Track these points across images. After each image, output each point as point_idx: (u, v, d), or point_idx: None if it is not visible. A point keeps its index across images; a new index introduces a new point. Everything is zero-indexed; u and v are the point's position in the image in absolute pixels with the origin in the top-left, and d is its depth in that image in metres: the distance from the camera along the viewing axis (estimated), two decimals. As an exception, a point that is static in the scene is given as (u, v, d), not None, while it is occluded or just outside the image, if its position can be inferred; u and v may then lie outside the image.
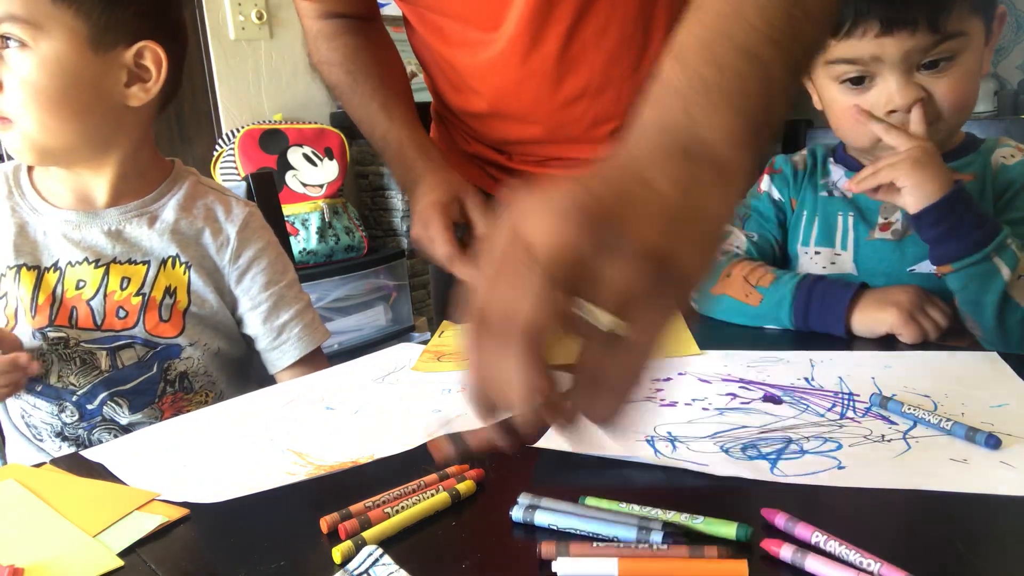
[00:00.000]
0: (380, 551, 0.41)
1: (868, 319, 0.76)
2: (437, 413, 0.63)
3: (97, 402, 0.83)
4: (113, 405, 0.83)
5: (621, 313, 0.38)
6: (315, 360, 0.91)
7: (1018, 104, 2.86)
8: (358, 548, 0.42)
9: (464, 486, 0.47)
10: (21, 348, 0.79)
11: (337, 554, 0.41)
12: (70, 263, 0.82)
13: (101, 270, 0.83)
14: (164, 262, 0.85)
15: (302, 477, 0.52)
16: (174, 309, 0.85)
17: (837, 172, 0.90)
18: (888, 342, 0.73)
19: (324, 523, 0.45)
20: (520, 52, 0.90)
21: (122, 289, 0.83)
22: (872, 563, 0.36)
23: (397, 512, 0.45)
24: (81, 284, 0.82)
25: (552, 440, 0.54)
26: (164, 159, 0.90)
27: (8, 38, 0.74)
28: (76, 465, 0.59)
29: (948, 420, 0.51)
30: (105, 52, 0.78)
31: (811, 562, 0.37)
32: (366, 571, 0.40)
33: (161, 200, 0.87)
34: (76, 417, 0.83)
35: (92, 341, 0.82)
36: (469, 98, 0.98)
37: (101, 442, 0.79)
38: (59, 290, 0.82)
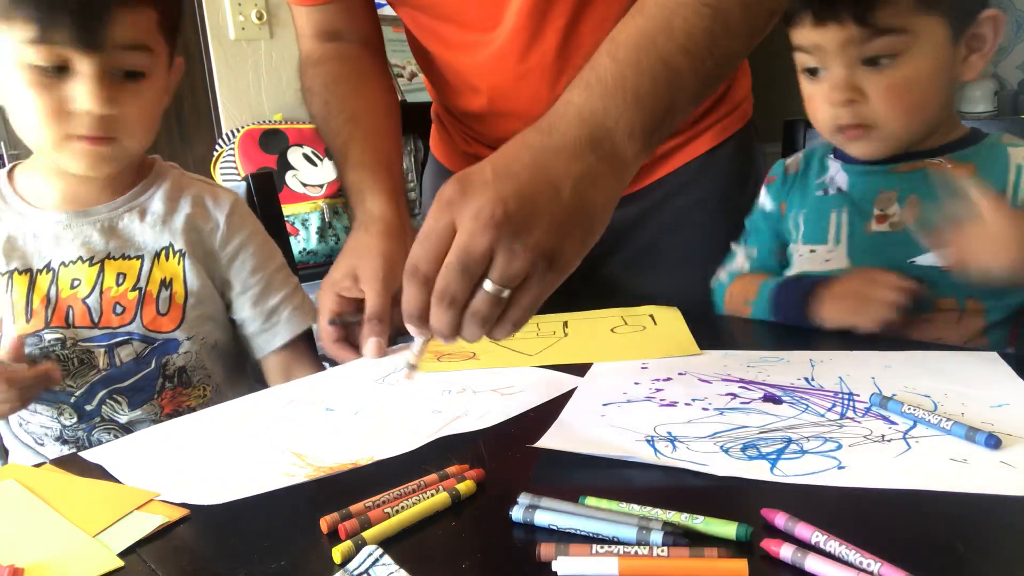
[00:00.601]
0: (380, 551, 0.41)
1: (829, 316, 0.76)
2: (437, 413, 0.63)
3: (95, 401, 0.82)
4: (112, 403, 0.83)
5: (507, 285, 0.52)
6: (304, 346, 0.92)
7: (1018, 104, 2.86)
8: (358, 548, 0.42)
9: (464, 486, 0.47)
10: (20, 358, 0.77)
11: (337, 554, 0.41)
12: (63, 263, 0.82)
13: (96, 268, 0.83)
14: (158, 254, 0.85)
15: (302, 479, 0.52)
16: (172, 302, 0.85)
17: (835, 167, 0.88)
18: (888, 342, 0.73)
19: (324, 523, 0.45)
20: (519, 49, 0.89)
21: (118, 285, 0.83)
22: (872, 563, 0.36)
23: (397, 512, 0.45)
24: (76, 283, 0.82)
25: (552, 440, 0.54)
26: (145, 156, 0.90)
27: None
28: (76, 465, 0.59)
29: (948, 420, 0.51)
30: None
31: (811, 562, 0.37)
32: (366, 571, 0.40)
33: (147, 192, 0.87)
34: (75, 419, 0.82)
35: (90, 340, 0.82)
36: (468, 98, 0.98)
37: (101, 443, 0.79)
38: (53, 291, 0.81)
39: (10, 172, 0.86)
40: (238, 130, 2.13)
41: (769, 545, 0.39)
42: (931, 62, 0.76)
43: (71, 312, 0.81)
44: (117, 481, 0.55)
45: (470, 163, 1.07)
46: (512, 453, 0.54)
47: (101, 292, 0.82)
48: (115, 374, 0.82)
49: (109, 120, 0.76)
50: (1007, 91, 2.97)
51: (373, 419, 0.63)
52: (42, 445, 0.84)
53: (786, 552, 0.38)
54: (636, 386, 0.64)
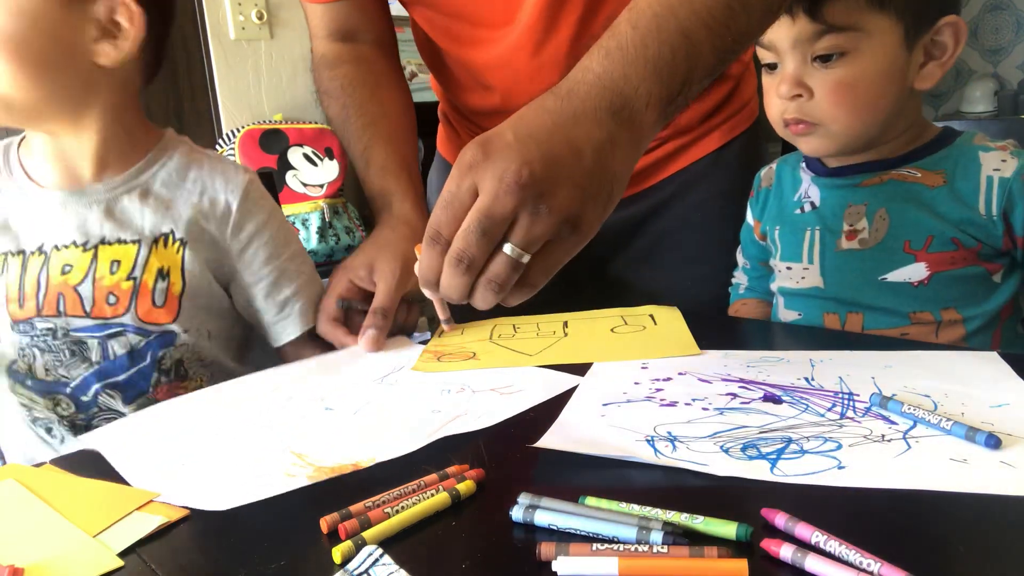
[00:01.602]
0: (380, 551, 0.41)
1: None
2: (437, 413, 0.63)
3: (91, 394, 0.80)
4: (107, 397, 0.80)
5: (528, 249, 0.52)
6: (317, 345, 0.90)
7: (1018, 104, 2.86)
8: (358, 548, 0.42)
9: (464, 486, 0.47)
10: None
11: (337, 554, 0.41)
12: (55, 246, 0.78)
13: (89, 253, 0.79)
14: (156, 241, 0.81)
15: (303, 480, 0.52)
16: (168, 293, 0.80)
17: (807, 180, 0.87)
18: (888, 342, 0.73)
19: (324, 523, 0.45)
20: (533, 43, 0.89)
21: (111, 273, 0.79)
22: (872, 563, 0.36)
23: (397, 512, 0.45)
24: (67, 268, 0.78)
25: (552, 440, 0.54)
26: (154, 128, 0.86)
27: None
28: (76, 465, 0.59)
29: (948, 420, 0.51)
30: (74, 2, 0.74)
31: (811, 562, 0.37)
32: (366, 571, 0.40)
33: (151, 170, 0.83)
34: (73, 409, 0.80)
35: (82, 329, 0.78)
36: (480, 95, 0.98)
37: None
38: (43, 276, 0.78)
39: (19, 144, 0.84)
40: (238, 130, 2.13)
41: (769, 545, 0.39)
42: (879, 63, 0.75)
43: (62, 300, 0.78)
44: (119, 476, 0.55)
45: None
46: (512, 453, 0.54)
47: (94, 280, 0.78)
48: (108, 368, 0.79)
49: None
50: (1007, 91, 2.97)
51: (373, 419, 0.63)
52: (50, 432, 0.82)
53: (786, 552, 0.38)
54: (636, 386, 0.64)
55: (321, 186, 2.18)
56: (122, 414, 0.81)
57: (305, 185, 2.16)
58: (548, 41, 0.89)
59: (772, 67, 0.81)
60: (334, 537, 0.44)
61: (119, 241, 0.80)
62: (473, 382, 0.70)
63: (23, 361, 0.79)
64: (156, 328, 0.80)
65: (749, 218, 0.96)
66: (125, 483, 0.55)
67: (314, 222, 2.11)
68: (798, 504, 0.43)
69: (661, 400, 0.61)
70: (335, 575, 0.40)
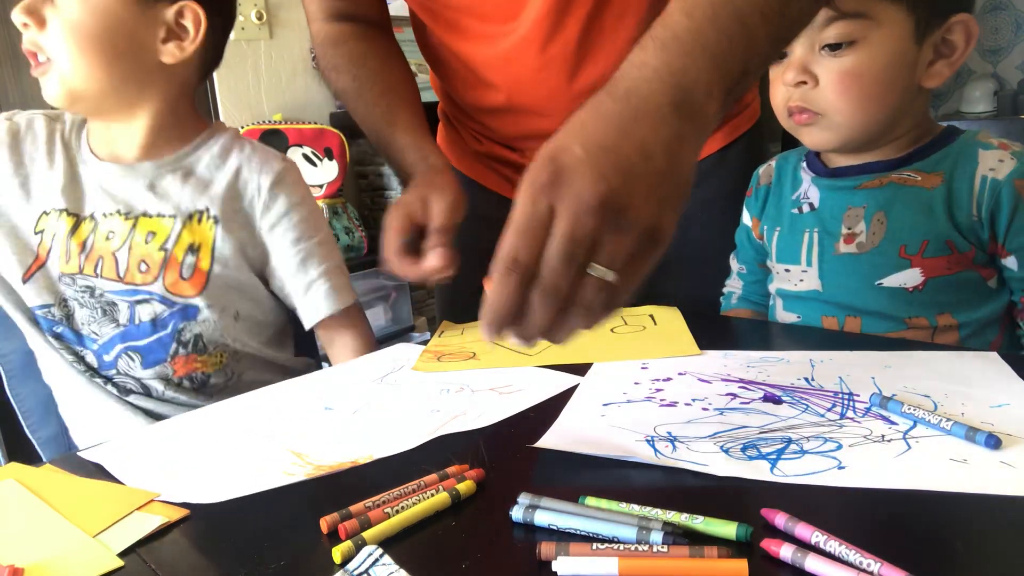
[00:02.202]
0: (380, 551, 0.41)
1: None
2: (436, 413, 0.63)
3: (113, 354, 0.85)
4: (127, 359, 0.85)
5: (615, 267, 0.48)
6: (352, 319, 0.94)
7: (1018, 104, 2.86)
8: (358, 548, 0.42)
9: (464, 486, 0.47)
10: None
11: (337, 554, 0.41)
12: (104, 214, 0.85)
13: (130, 222, 0.85)
14: (191, 217, 0.86)
15: (301, 477, 0.52)
16: (196, 268, 0.86)
17: (807, 180, 0.86)
18: (888, 342, 0.73)
19: (324, 523, 0.45)
20: (540, 39, 0.89)
21: (146, 243, 0.85)
22: (872, 563, 0.36)
23: (397, 512, 0.45)
24: (110, 235, 0.85)
25: (552, 440, 0.54)
26: (203, 120, 0.93)
27: None
28: (76, 465, 0.59)
29: (948, 420, 0.51)
30: (148, 5, 0.81)
31: (811, 562, 0.37)
32: (366, 571, 0.40)
33: (195, 153, 0.89)
34: (96, 364, 0.85)
35: (115, 292, 0.84)
36: (484, 93, 0.98)
37: (121, 389, 0.85)
38: (91, 240, 0.85)
39: (83, 122, 0.90)
40: (238, 130, 2.13)
41: (769, 545, 0.39)
42: (887, 55, 0.73)
43: (101, 262, 0.84)
44: (117, 481, 0.55)
45: (481, 163, 1.08)
46: (512, 453, 0.54)
47: (130, 247, 0.85)
48: (132, 331, 0.85)
49: (34, 39, 0.79)
50: (1007, 91, 2.97)
51: (372, 418, 0.63)
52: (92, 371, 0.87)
53: (786, 552, 0.38)
54: (636, 386, 0.64)
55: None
56: (138, 380, 0.86)
57: (305, 185, 2.15)
58: (555, 38, 0.89)
59: (780, 56, 0.80)
60: (334, 537, 0.44)
61: (158, 215, 0.86)
62: (473, 382, 0.70)
63: (60, 309, 0.85)
64: (180, 300, 0.85)
65: (746, 219, 0.95)
66: (123, 484, 0.55)
67: (314, 222, 2.11)
68: (798, 504, 0.43)
69: (661, 400, 0.61)
70: (335, 575, 0.40)
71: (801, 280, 0.85)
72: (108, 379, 0.86)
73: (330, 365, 0.96)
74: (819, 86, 0.76)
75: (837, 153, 0.84)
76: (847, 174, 0.83)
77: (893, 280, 0.78)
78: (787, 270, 0.87)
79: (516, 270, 0.47)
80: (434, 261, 0.78)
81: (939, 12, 0.74)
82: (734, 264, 0.99)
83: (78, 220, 0.85)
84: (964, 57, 0.75)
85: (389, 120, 0.93)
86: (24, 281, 0.84)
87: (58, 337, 0.86)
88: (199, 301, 0.85)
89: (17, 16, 0.78)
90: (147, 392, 0.86)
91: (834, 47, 0.74)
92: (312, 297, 0.90)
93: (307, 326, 0.92)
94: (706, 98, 0.51)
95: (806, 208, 0.85)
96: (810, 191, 0.86)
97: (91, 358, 0.86)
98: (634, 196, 0.47)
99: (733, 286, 0.99)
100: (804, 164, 0.88)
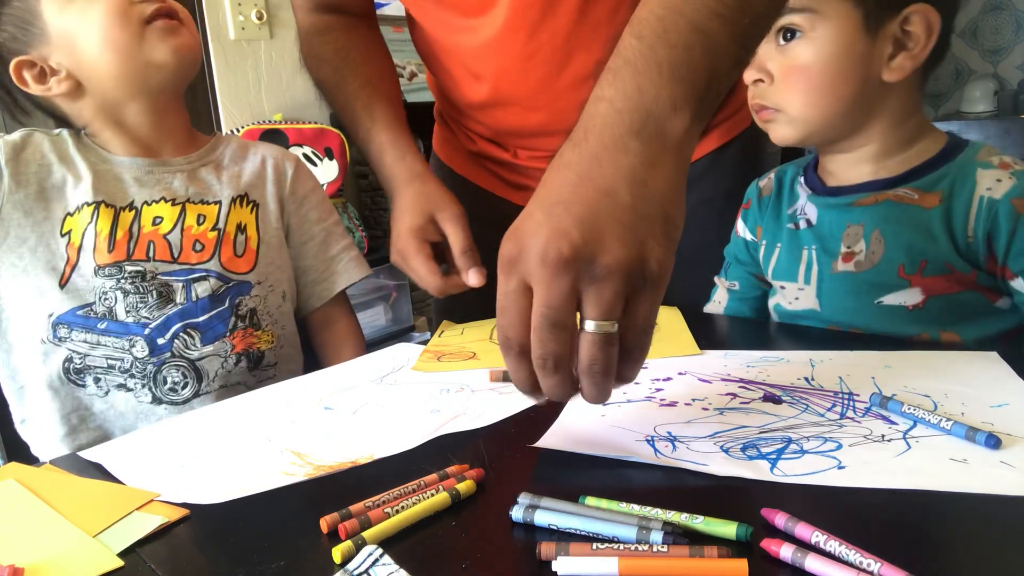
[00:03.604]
0: (380, 551, 0.41)
1: None
2: (436, 413, 0.63)
3: (169, 334, 0.86)
4: (185, 338, 0.86)
5: (610, 317, 0.46)
6: (347, 304, 1.02)
7: (1018, 104, 2.86)
8: (358, 548, 0.42)
9: (464, 486, 0.47)
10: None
11: (337, 554, 0.41)
12: (146, 202, 0.87)
13: (178, 208, 0.88)
14: (234, 200, 0.92)
15: (301, 478, 0.52)
16: (247, 245, 0.91)
17: (803, 196, 0.85)
18: (888, 342, 0.73)
19: (324, 523, 0.45)
20: (527, 28, 0.88)
21: (199, 224, 0.89)
22: (872, 563, 0.36)
23: (397, 512, 0.45)
24: (158, 220, 0.87)
25: (552, 440, 0.54)
26: (203, 135, 0.97)
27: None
28: (76, 465, 0.59)
29: (948, 420, 0.51)
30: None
31: (811, 562, 0.37)
32: (366, 571, 0.40)
33: (218, 149, 0.95)
34: (146, 352, 0.85)
35: (169, 274, 0.86)
36: (471, 86, 0.98)
37: (166, 382, 0.85)
38: (136, 227, 0.86)
39: (83, 132, 0.90)
40: (238, 130, 2.13)
41: (769, 545, 0.39)
42: (833, 47, 0.73)
43: (152, 246, 0.86)
44: (117, 481, 0.55)
45: (475, 162, 1.08)
46: (512, 453, 0.54)
47: (183, 229, 0.88)
48: (190, 308, 0.86)
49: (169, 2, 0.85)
50: (1007, 91, 2.97)
51: (372, 418, 0.63)
52: (83, 386, 0.85)
53: (786, 552, 0.38)
54: (636, 386, 0.64)
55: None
56: (191, 360, 0.86)
57: (305, 185, 2.16)
58: (542, 27, 0.88)
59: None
60: (334, 537, 0.44)
61: (203, 201, 0.91)
62: (473, 382, 0.70)
63: (103, 304, 0.84)
64: (236, 276, 0.90)
65: (741, 231, 0.93)
66: (123, 484, 0.55)
67: (314, 222, 2.11)
68: (798, 504, 0.43)
69: (661, 400, 0.61)
70: (335, 575, 0.40)
71: (797, 299, 0.83)
72: (145, 374, 0.85)
73: (317, 355, 1.02)
74: (774, 82, 0.77)
75: (813, 146, 0.82)
76: (843, 193, 0.81)
77: (893, 299, 0.76)
78: (783, 287, 0.85)
79: (514, 347, 0.47)
80: (475, 281, 0.84)
81: (891, 3, 0.72)
82: (722, 286, 0.96)
83: (116, 211, 0.86)
84: (927, 50, 0.73)
85: (369, 115, 0.95)
86: (62, 287, 0.83)
87: (101, 332, 0.84)
88: (251, 277, 0.91)
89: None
90: (197, 377, 0.86)
91: (785, 39, 0.75)
92: (339, 268, 0.99)
93: (327, 296, 0.98)
94: (672, 113, 0.49)
95: (803, 224, 0.84)
96: (807, 207, 0.84)
97: (141, 346, 0.85)
98: (603, 239, 0.45)
99: (719, 299, 0.96)
100: (801, 179, 0.87)
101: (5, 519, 0.50)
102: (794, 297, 0.84)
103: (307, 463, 0.55)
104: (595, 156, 0.48)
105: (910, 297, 0.75)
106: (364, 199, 2.50)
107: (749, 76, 0.78)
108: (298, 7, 1.02)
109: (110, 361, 0.85)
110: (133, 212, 0.86)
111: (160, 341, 0.85)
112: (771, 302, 0.89)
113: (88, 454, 0.61)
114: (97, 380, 0.85)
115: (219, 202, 0.91)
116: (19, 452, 0.88)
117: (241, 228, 0.91)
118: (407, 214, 0.88)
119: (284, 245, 0.96)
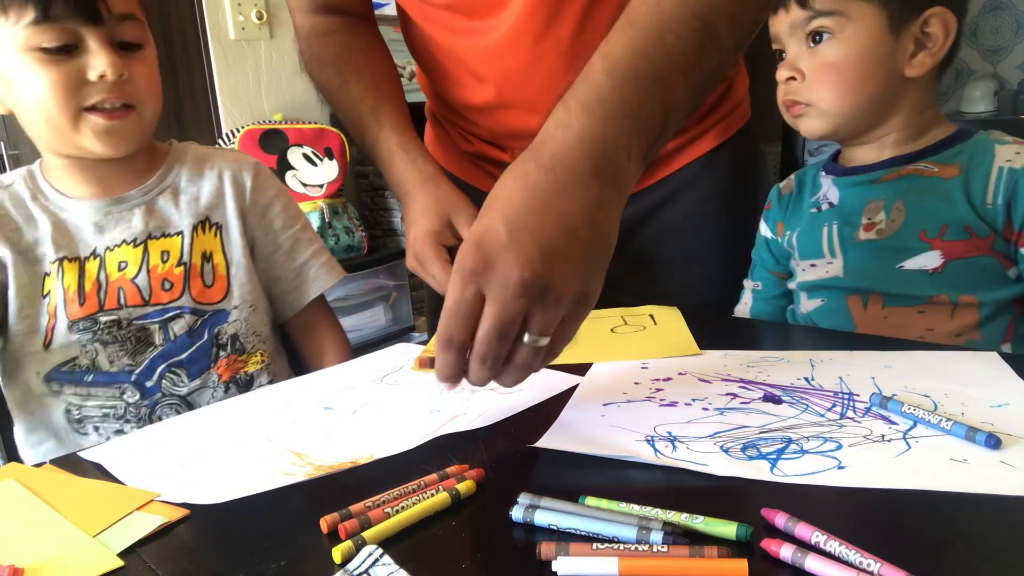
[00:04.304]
0: (380, 551, 0.41)
1: None
2: (436, 413, 0.63)
3: (156, 377, 0.85)
4: (171, 377, 0.86)
5: (546, 334, 0.52)
6: (326, 307, 1.00)
7: (1018, 104, 2.86)
8: (358, 548, 0.42)
9: (464, 486, 0.47)
10: None
11: (337, 554, 0.41)
12: (108, 248, 0.85)
13: (140, 248, 0.86)
14: (196, 228, 0.89)
15: (301, 478, 0.52)
16: (215, 273, 0.89)
17: (827, 183, 0.90)
18: (888, 342, 0.73)
19: (324, 523, 0.45)
20: (534, 32, 0.88)
21: (163, 262, 0.86)
22: (872, 563, 0.36)
23: (397, 512, 0.45)
24: (123, 265, 0.85)
25: (552, 440, 0.54)
26: (158, 143, 0.94)
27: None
28: (76, 465, 0.59)
29: (948, 420, 0.51)
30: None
31: (811, 562, 0.37)
32: (366, 571, 0.40)
33: (173, 172, 0.91)
34: (137, 396, 0.85)
35: (143, 317, 0.85)
36: (474, 89, 0.97)
37: (161, 420, 0.83)
38: (103, 276, 0.84)
39: (38, 168, 0.88)
40: (238, 130, 2.13)
41: (769, 545, 0.39)
42: (861, 47, 0.80)
43: (122, 293, 0.84)
44: (118, 480, 0.55)
45: (470, 163, 1.08)
46: (512, 453, 0.54)
47: (148, 270, 0.86)
48: (171, 348, 0.86)
49: (123, 86, 0.78)
50: (1007, 91, 2.97)
51: (372, 418, 0.63)
52: (86, 434, 0.85)
53: (786, 552, 0.38)
54: (636, 386, 0.64)
55: (321, 186, 2.17)
56: (182, 396, 0.86)
57: (305, 185, 2.16)
58: (550, 30, 0.88)
59: (781, 56, 0.87)
60: (334, 537, 0.44)
61: (164, 235, 0.88)
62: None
63: (85, 357, 0.83)
64: (209, 307, 0.88)
65: (764, 231, 0.97)
66: (124, 484, 0.55)
67: (313, 222, 2.11)
68: (798, 504, 0.43)
69: (661, 400, 0.61)
70: (335, 575, 0.40)
71: (827, 272, 0.87)
72: (140, 418, 0.85)
73: (301, 358, 1.01)
74: (805, 79, 0.84)
75: (837, 140, 0.89)
76: (865, 171, 0.86)
77: (913, 263, 0.81)
78: (812, 265, 0.89)
79: (453, 346, 0.52)
80: None
81: (913, 6, 0.79)
82: (748, 288, 0.99)
83: (81, 262, 0.84)
84: (945, 48, 0.80)
85: (376, 118, 0.94)
86: (46, 347, 0.82)
87: (90, 385, 0.83)
88: (225, 304, 0.89)
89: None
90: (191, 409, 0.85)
91: (815, 41, 0.82)
92: (309, 275, 0.96)
93: (300, 305, 0.97)
94: (626, 160, 0.53)
95: (825, 207, 0.89)
96: (829, 192, 0.89)
97: (131, 392, 0.84)
98: (558, 275, 0.50)
99: (741, 310, 0.99)
100: (823, 172, 0.92)
101: (5, 519, 0.50)
102: (824, 271, 0.88)
103: (307, 463, 0.55)
104: (561, 188, 0.52)
105: (930, 261, 0.80)
106: (364, 199, 2.50)
107: (782, 75, 0.85)
108: (295, 9, 1.01)
109: (104, 410, 0.84)
110: (97, 260, 0.84)
111: (148, 384, 0.85)
112: (792, 284, 0.92)
113: (88, 454, 0.61)
114: (96, 428, 0.85)
115: (180, 233, 0.88)
116: (19, 452, 0.88)
117: (207, 257, 0.88)
118: (424, 218, 0.87)
119: (250, 260, 0.92)
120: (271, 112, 2.30)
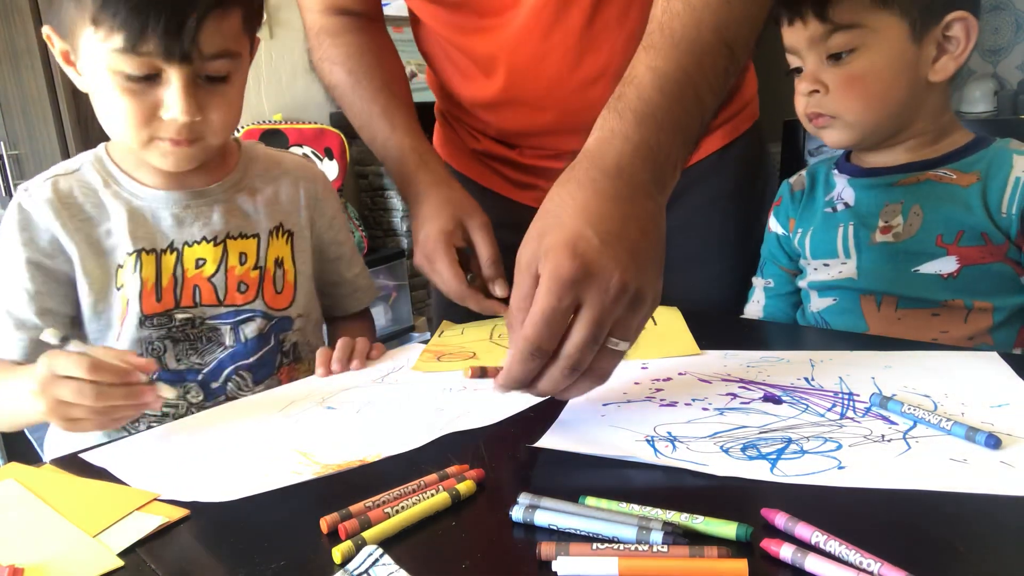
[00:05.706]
0: (380, 551, 0.41)
1: None
2: (441, 411, 0.63)
3: (222, 378, 0.85)
4: (237, 380, 0.85)
5: (630, 339, 0.54)
6: (368, 311, 1.04)
7: (1018, 104, 2.86)
8: (358, 548, 0.42)
9: (464, 486, 0.47)
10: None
11: (337, 554, 0.41)
12: (186, 243, 0.84)
13: (220, 248, 0.85)
14: (271, 233, 0.88)
15: (308, 477, 0.52)
16: (285, 280, 0.89)
17: (840, 182, 0.90)
18: (888, 342, 0.73)
19: (324, 523, 0.45)
20: (543, 28, 0.88)
21: (241, 264, 0.86)
22: (872, 563, 0.36)
23: (397, 512, 0.45)
24: (201, 262, 0.84)
25: (552, 440, 0.54)
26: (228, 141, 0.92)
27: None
28: (76, 465, 0.59)
29: (948, 420, 0.51)
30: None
31: (811, 562, 0.37)
32: (366, 571, 0.40)
33: (249, 171, 0.90)
34: (201, 397, 0.84)
35: (216, 317, 0.84)
36: (482, 85, 0.97)
37: None
38: (179, 271, 0.83)
39: (105, 153, 0.85)
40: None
41: (769, 545, 0.39)
42: (886, 57, 0.79)
43: (198, 291, 0.84)
44: (119, 480, 0.55)
45: (479, 162, 1.08)
46: (512, 453, 0.54)
47: (226, 271, 0.85)
48: (240, 350, 0.85)
49: (194, 125, 0.76)
50: (1007, 91, 2.97)
51: (376, 417, 0.63)
52: (150, 429, 0.82)
53: (786, 552, 0.38)
54: (636, 386, 0.64)
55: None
56: None
57: (305, 185, 2.15)
58: (558, 26, 0.88)
59: (798, 71, 0.85)
60: (334, 537, 0.44)
61: (242, 235, 0.87)
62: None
63: (152, 353, 0.82)
64: (278, 313, 0.88)
65: (775, 227, 0.96)
66: (125, 483, 0.55)
67: (314, 222, 2.11)
68: (798, 504, 0.43)
69: (661, 400, 0.61)
70: (335, 575, 0.40)
71: (840, 272, 0.87)
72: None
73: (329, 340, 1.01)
74: (829, 92, 0.82)
75: (860, 149, 0.88)
76: (882, 174, 0.86)
77: (929, 267, 0.81)
78: (825, 264, 0.89)
79: (539, 356, 0.52)
80: (501, 291, 0.85)
81: (933, 12, 0.78)
82: (759, 285, 0.99)
83: (158, 255, 0.82)
84: (967, 51, 0.79)
85: (388, 121, 0.94)
86: (115, 341, 0.81)
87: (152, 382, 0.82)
88: (291, 312, 0.89)
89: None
90: None
91: (836, 56, 0.80)
92: (357, 288, 1.00)
93: (355, 308, 1.01)
94: (673, 170, 0.58)
95: (840, 207, 0.89)
96: (844, 192, 0.89)
97: (196, 391, 0.84)
98: (645, 279, 0.53)
99: (757, 300, 0.99)
100: (836, 170, 0.91)
101: (5, 519, 0.50)
102: (837, 271, 0.87)
103: (314, 462, 0.55)
104: (631, 196, 0.54)
105: (945, 266, 0.80)
106: (364, 199, 2.50)
107: (804, 88, 0.84)
108: (307, 8, 1.01)
109: (165, 408, 0.83)
110: (174, 254, 0.83)
111: (214, 385, 0.84)
112: (803, 283, 0.92)
113: (89, 455, 0.61)
114: (150, 427, 0.81)
115: (257, 235, 0.87)
116: (19, 452, 0.89)
117: (279, 263, 0.88)
118: (436, 218, 0.87)
119: (313, 269, 0.93)
120: (271, 112, 2.30)
